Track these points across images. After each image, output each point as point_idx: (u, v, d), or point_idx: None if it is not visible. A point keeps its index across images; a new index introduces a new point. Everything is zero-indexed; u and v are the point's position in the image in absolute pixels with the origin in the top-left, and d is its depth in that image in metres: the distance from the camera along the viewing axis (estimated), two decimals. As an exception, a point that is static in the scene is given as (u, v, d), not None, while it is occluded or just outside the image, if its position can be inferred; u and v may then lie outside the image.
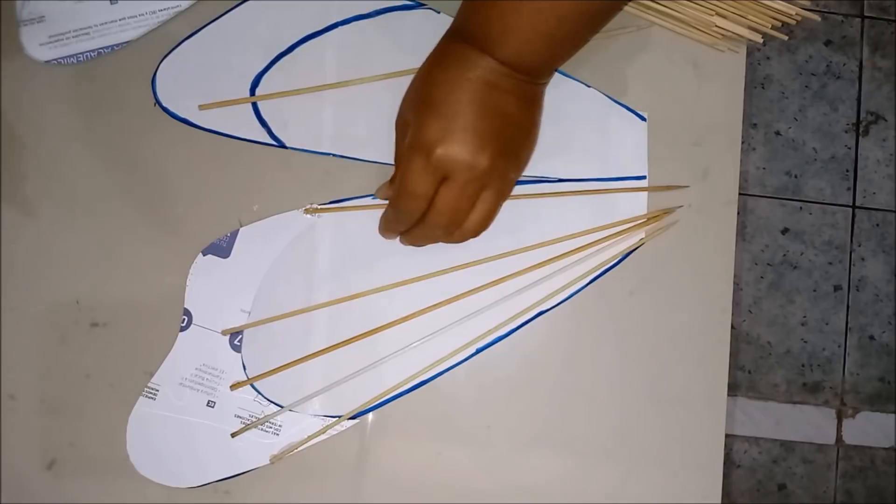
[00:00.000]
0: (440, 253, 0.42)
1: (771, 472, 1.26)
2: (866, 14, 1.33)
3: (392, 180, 0.40)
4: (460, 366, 0.43)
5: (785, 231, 1.29)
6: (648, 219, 0.44)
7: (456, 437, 0.43)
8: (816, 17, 0.46)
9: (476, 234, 0.40)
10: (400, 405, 0.42)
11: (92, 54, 0.43)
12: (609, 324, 0.44)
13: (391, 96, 0.40)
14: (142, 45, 0.43)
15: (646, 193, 0.45)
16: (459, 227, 0.39)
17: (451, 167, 0.36)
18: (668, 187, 0.45)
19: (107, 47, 0.43)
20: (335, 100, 0.44)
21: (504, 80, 0.37)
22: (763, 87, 1.30)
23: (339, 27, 0.44)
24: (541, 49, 0.36)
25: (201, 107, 0.43)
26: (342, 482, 0.42)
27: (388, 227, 0.41)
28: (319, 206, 0.43)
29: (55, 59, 0.43)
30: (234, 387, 0.42)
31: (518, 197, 0.44)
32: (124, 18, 0.43)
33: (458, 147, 0.36)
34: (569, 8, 0.35)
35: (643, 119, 0.45)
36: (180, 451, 0.41)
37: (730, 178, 0.45)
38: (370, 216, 0.43)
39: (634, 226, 0.44)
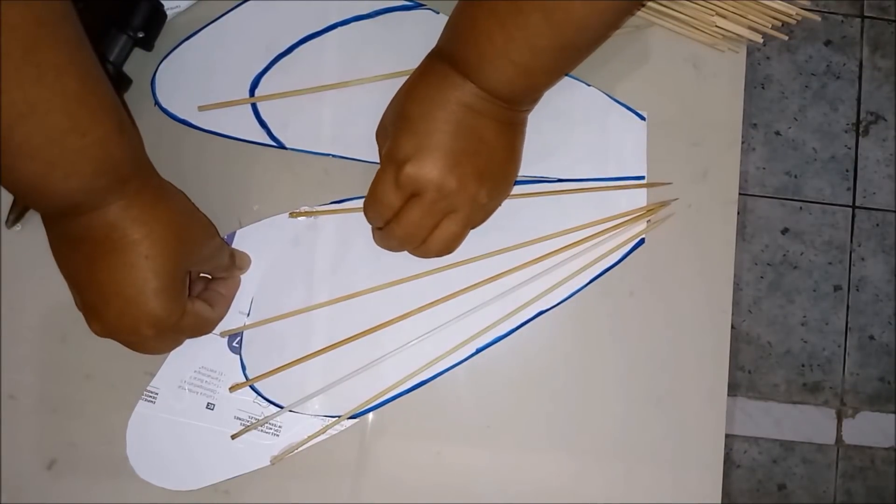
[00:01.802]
0: (440, 253, 0.43)
1: (771, 472, 1.26)
2: (866, 14, 1.33)
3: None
4: (460, 366, 0.43)
5: (785, 231, 1.29)
6: (646, 211, 0.44)
7: (456, 437, 0.43)
8: (816, 17, 0.46)
9: (438, 254, 0.39)
10: (400, 405, 0.42)
11: (92, 54, 0.43)
12: (609, 324, 0.44)
13: (390, 97, 0.40)
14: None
15: (645, 192, 0.45)
16: (420, 244, 0.39)
17: (419, 184, 0.36)
18: (654, 184, 0.45)
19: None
20: (334, 100, 0.44)
21: (483, 105, 0.37)
22: (763, 87, 1.30)
23: (339, 27, 0.44)
24: (515, 78, 0.36)
25: (201, 108, 0.43)
26: (342, 482, 0.42)
27: (365, 213, 0.41)
28: (304, 211, 0.43)
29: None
30: (233, 388, 0.42)
31: (518, 196, 0.44)
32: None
33: (428, 166, 0.36)
34: (542, 41, 0.34)
35: (643, 119, 0.45)
36: (180, 454, 0.41)
37: (730, 178, 0.45)
38: (370, 216, 0.43)
39: (631, 219, 0.44)
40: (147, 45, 0.42)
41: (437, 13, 0.44)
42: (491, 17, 0.35)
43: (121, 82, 0.42)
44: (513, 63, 0.35)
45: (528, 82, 0.37)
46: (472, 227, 0.40)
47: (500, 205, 0.41)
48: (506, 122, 0.38)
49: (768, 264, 1.28)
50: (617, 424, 0.43)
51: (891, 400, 1.27)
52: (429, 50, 0.39)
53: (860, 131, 1.31)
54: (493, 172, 0.38)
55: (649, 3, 0.45)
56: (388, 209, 0.38)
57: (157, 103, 0.43)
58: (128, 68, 0.42)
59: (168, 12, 0.43)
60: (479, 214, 0.39)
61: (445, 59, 0.37)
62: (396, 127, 0.37)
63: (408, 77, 0.39)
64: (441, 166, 0.36)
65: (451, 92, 0.36)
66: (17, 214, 0.41)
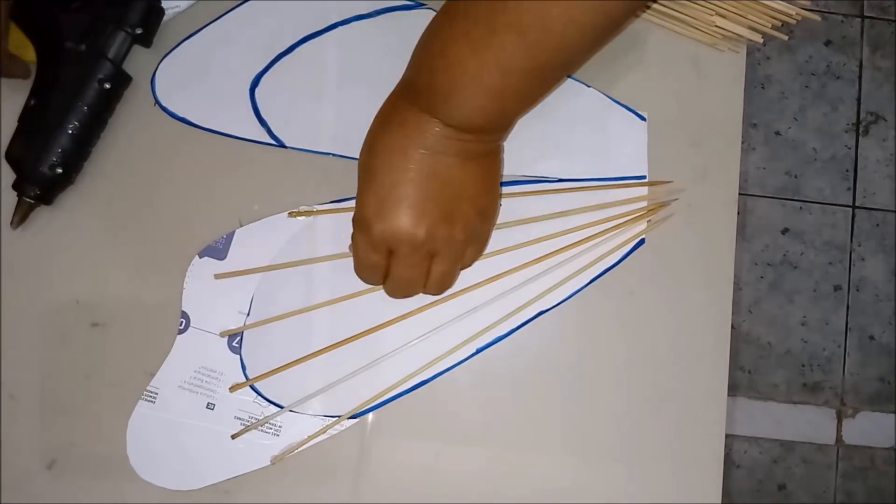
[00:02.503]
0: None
1: (771, 472, 1.26)
2: (866, 14, 1.33)
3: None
4: (460, 366, 0.43)
5: (785, 231, 1.29)
6: (646, 211, 0.44)
7: (456, 437, 0.43)
8: (816, 17, 0.46)
9: (438, 293, 0.40)
10: (400, 405, 0.42)
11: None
12: (609, 324, 0.44)
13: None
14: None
15: (645, 192, 0.45)
16: (420, 289, 0.39)
17: (390, 242, 0.37)
18: (654, 182, 0.45)
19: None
20: (335, 99, 0.44)
21: (446, 144, 0.36)
22: (763, 87, 1.30)
23: (339, 27, 0.44)
24: (488, 105, 0.35)
25: (217, 276, 0.42)
26: (342, 482, 0.42)
27: (360, 278, 0.41)
28: (303, 210, 0.43)
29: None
30: (233, 388, 0.42)
31: (518, 196, 0.44)
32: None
33: (393, 222, 0.36)
34: (515, 62, 0.34)
35: (643, 119, 0.45)
36: (180, 454, 0.41)
37: (730, 178, 0.45)
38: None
39: (632, 219, 0.44)
40: (146, 41, 0.42)
41: (438, 13, 0.44)
42: (461, 41, 0.34)
43: (120, 80, 0.42)
44: (485, 88, 0.34)
45: (500, 108, 0.36)
46: (468, 261, 0.40)
47: (487, 232, 0.41)
48: (474, 157, 0.37)
49: (768, 264, 1.28)
50: (617, 424, 0.43)
51: (891, 400, 1.27)
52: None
53: (860, 131, 1.31)
54: (464, 211, 0.38)
55: (649, 4, 0.45)
56: (377, 268, 0.38)
57: (157, 102, 0.43)
58: (127, 67, 0.42)
59: (168, 12, 0.43)
60: (463, 250, 0.39)
61: (409, 96, 0.36)
62: (361, 183, 0.37)
63: (377, 112, 0.38)
64: (406, 221, 0.36)
65: (413, 137, 0.36)
66: (21, 216, 0.41)
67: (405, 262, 0.37)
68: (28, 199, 0.41)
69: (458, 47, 0.34)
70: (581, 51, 0.36)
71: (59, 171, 0.40)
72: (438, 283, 0.39)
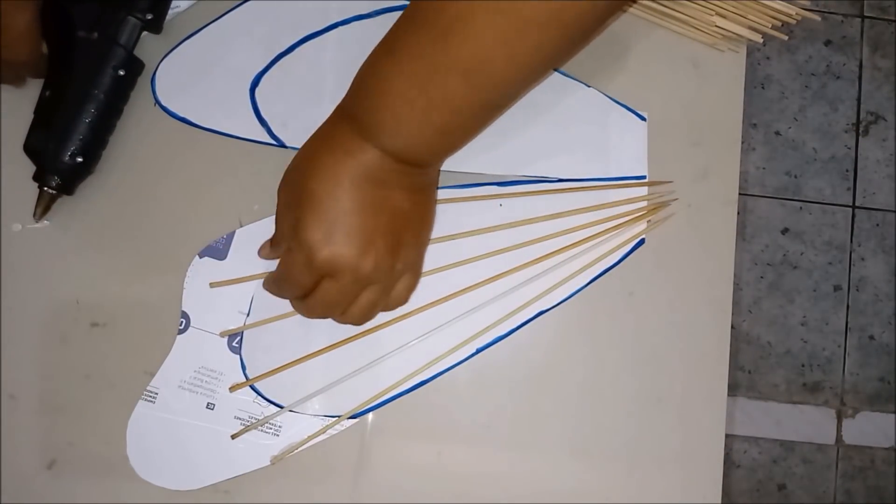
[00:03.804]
0: (440, 252, 0.42)
1: (771, 472, 1.26)
2: (866, 14, 1.33)
3: (273, 242, 0.40)
4: (460, 366, 0.43)
5: (785, 231, 1.29)
6: (647, 211, 0.44)
7: (456, 437, 0.43)
8: (816, 17, 0.46)
9: (358, 323, 0.40)
10: (400, 405, 0.42)
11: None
12: (609, 324, 0.44)
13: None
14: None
15: (645, 192, 0.45)
16: (340, 316, 0.39)
17: (333, 271, 0.36)
18: (654, 182, 0.45)
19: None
20: (335, 99, 0.44)
21: (391, 176, 0.36)
22: (763, 87, 1.30)
23: (339, 27, 0.44)
24: (433, 141, 0.35)
25: (212, 284, 0.42)
26: (342, 482, 0.42)
27: (271, 291, 0.40)
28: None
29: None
30: (233, 388, 0.42)
31: (517, 195, 0.44)
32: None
33: (340, 252, 0.35)
34: (462, 101, 0.34)
35: (643, 119, 0.45)
36: (180, 454, 0.41)
37: (730, 178, 0.45)
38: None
39: (632, 219, 0.44)
40: (156, 27, 0.42)
41: (438, 13, 0.44)
42: (407, 80, 0.33)
43: (134, 67, 0.42)
44: (430, 125, 0.34)
45: (444, 143, 0.36)
46: (404, 294, 0.40)
47: (421, 262, 0.41)
48: (416, 188, 0.37)
49: (768, 264, 1.28)
50: (617, 424, 0.43)
51: (891, 400, 1.27)
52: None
53: (860, 131, 1.31)
54: (406, 241, 0.38)
55: (649, 4, 0.45)
56: (301, 288, 0.37)
57: (157, 102, 0.43)
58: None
59: (170, 13, 0.43)
60: (394, 281, 0.39)
61: (355, 125, 0.36)
62: (302, 205, 0.36)
63: (312, 134, 0.38)
64: (354, 251, 0.36)
65: (356, 168, 0.35)
66: (43, 207, 0.41)
67: (339, 289, 0.37)
68: (50, 191, 0.41)
69: (404, 85, 0.34)
70: (524, 86, 0.36)
71: (80, 159, 0.41)
72: (363, 314, 0.39)
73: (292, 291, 0.39)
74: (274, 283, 0.40)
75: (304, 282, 0.37)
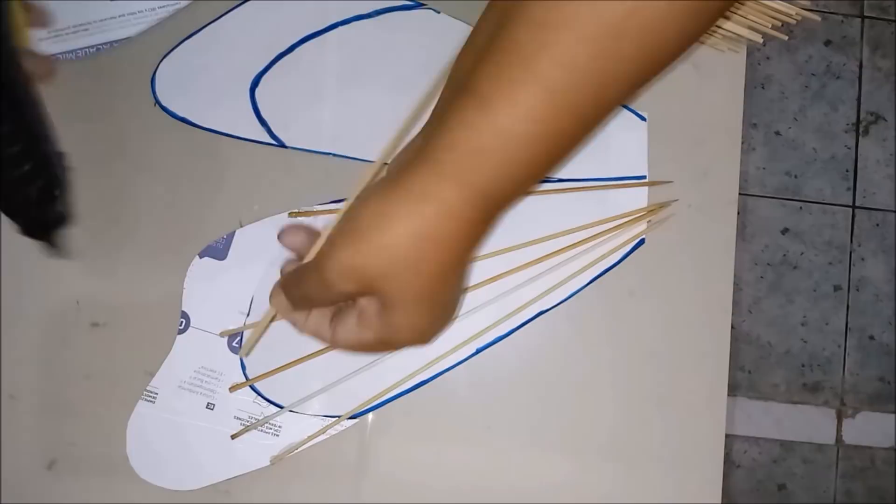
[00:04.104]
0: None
1: (771, 472, 1.26)
2: (866, 14, 1.33)
3: (300, 276, 0.32)
4: (460, 366, 0.43)
5: (785, 231, 1.29)
6: (647, 212, 0.44)
7: (456, 437, 0.43)
8: (816, 17, 0.46)
9: (345, 350, 0.34)
10: (400, 405, 0.42)
11: (91, 50, 0.43)
12: (609, 324, 0.44)
13: (392, 96, 0.40)
14: (141, 43, 0.43)
15: (646, 192, 0.45)
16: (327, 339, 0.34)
17: (395, 344, 0.31)
18: (654, 182, 0.45)
19: (105, 44, 0.43)
20: (335, 99, 0.44)
21: (478, 231, 0.30)
22: (763, 87, 1.30)
23: (339, 27, 0.44)
24: (518, 176, 0.28)
25: (232, 388, 0.41)
26: (342, 482, 0.42)
27: (283, 316, 0.35)
28: (304, 210, 0.43)
29: (54, 55, 0.43)
30: (233, 389, 0.42)
31: (518, 197, 0.44)
32: (123, 15, 0.43)
33: (419, 339, 0.31)
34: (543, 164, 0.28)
35: (643, 119, 0.45)
36: (180, 454, 0.41)
37: (730, 178, 0.45)
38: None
39: (632, 219, 0.44)
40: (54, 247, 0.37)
41: (438, 13, 0.44)
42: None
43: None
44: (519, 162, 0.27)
45: (529, 178, 0.29)
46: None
47: None
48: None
49: (768, 264, 1.28)
50: (617, 424, 0.43)
51: (891, 400, 1.27)
52: (428, 49, 0.38)
53: (860, 131, 1.31)
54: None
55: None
56: (320, 304, 0.33)
57: (157, 102, 0.43)
58: (127, 65, 0.42)
59: (167, 9, 0.43)
60: None
61: (464, 188, 0.27)
62: (420, 310, 0.30)
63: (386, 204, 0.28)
64: (429, 338, 0.31)
65: (467, 237, 0.29)
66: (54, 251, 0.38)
67: (362, 328, 0.32)
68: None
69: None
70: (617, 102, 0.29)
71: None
72: (352, 347, 0.33)
73: (312, 334, 0.34)
74: (302, 327, 0.34)
75: (331, 300, 0.32)
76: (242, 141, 0.43)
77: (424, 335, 0.31)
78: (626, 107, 0.45)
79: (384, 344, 0.32)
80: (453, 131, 0.27)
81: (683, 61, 0.46)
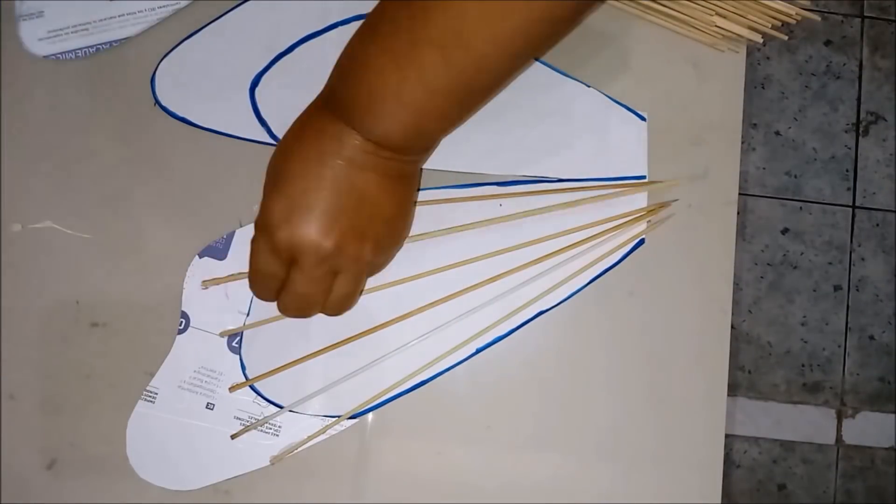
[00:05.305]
0: (440, 252, 0.42)
1: (771, 472, 1.26)
2: (866, 14, 1.33)
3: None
4: (460, 366, 0.43)
5: (785, 231, 1.29)
6: (647, 212, 0.44)
7: (456, 437, 0.43)
8: (816, 17, 0.46)
9: (336, 314, 0.38)
10: (400, 405, 0.42)
11: (91, 50, 0.43)
12: (609, 324, 0.44)
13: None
14: (141, 42, 0.43)
15: (646, 193, 0.45)
16: (317, 309, 0.37)
17: (293, 250, 0.34)
18: (654, 182, 0.45)
19: (105, 43, 0.43)
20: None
21: (366, 158, 0.34)
22: (763, 87, 1.30)
23: (339, 27, 0.44)
24: (408, 122, 0.34)
25: (205, 283, 0.42)
26: (342, 482, 0.42)
27: (253, 292, 0.39)
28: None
29: (54, 55, 0.43)
30: (232, 389, 0.42)
31: (517, 195, 0.44)
32: (123, 15, 0.43)
33: (300, 229, 0.34)
34: (437, 80, 0.33)
35: (643, 119, 0.45)
36: (180, 454, 0.41)
37: (730, 178, 0.45)
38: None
39: (632, 219, 0.44)
40: None
41: (438, 13, 0.44)
42: (384, 55, 0.33)
43: None
44: (406, 105, 0.33)
45: (420, 126, 0.35)
46: (363, 285, 0.38)
47: (392, 257, 0.40)
48: (393, 176, 0.36)
49: (768, 264, 1.28)
50: (617, 424, 0.43)
51: (891, 400, 1.28)
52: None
53: (860, 131, 1.31)
54: (376, 230, 0.36)
55: (649, 4, 0.45)
56: (273, 279, 0.36)
57: (157, 102, 0.43)
58: (127, 65, 0.42)
59: (167, 9, 0.43)
60: (364, 272, 0.37)
61: (331, 106, 0.35)
62: (269, 187, 0.35)
63: (287, 130, 0.36)
64: (315, 228, 0.34)
65: (331, 145, 0.34)
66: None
67: (306, 276, 0.35)
68: None
69: (381, 60, 0.33)
70: (503, 72, 0.35)
71: None
72: (338, 304, 0.37)
73: (265, 284, 0.37)
74: (250, 281, 0.38)
75: (270, 269, 0.36)
76: (242, 141, 0.43)
77: (272, 213, 0.35)
78: (626, 107, 0.45)
79: (260, 230, 0.35)
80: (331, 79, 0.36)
81: (683, 61, 0.46)
